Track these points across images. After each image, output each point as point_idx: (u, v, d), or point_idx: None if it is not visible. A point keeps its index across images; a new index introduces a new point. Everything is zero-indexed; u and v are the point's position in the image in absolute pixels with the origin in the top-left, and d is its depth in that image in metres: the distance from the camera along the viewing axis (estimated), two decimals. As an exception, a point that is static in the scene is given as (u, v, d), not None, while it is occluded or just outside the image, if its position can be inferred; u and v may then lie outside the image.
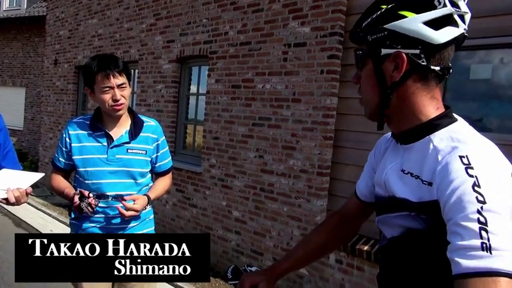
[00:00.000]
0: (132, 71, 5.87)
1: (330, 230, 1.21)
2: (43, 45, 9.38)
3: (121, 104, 1.86)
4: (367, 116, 0.97)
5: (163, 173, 2.11)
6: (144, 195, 1.94)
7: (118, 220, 1.93)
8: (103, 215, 1.91)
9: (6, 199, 1.56)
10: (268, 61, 4.00)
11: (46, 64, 8.13)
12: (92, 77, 1.83)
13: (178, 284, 3.90)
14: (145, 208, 1.95)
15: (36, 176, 1.67)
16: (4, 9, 12.37)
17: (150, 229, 2.09)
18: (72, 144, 1.91)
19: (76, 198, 1.76)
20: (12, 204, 1.58)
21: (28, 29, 11.82)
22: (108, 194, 1.88)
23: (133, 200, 1.84)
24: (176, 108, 5.19)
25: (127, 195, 1.88)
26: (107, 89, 1.82)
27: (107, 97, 1.83)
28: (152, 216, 2.11)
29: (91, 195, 1.78)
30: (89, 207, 1.76)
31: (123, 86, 1.85)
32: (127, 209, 1.81)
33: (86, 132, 1.92)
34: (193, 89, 5.19)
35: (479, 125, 2.90)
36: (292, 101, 3.79)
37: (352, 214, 1.19)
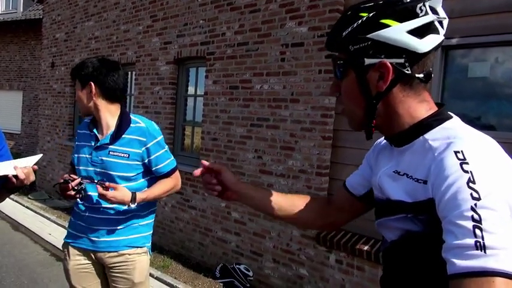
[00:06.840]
0: (130, 73, 5.86)
1: (312, 204, 1.20)
2: (40, 48, 9.36)
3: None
4: (352, 127, 0.95)
5: (164, 176, 2.01)
6: (131, 192, 1.86)
7: (99, 221, 1.93)
8: (86, 214, 1.94)
9: (16, 176, 1.56)
10: (265, 61, 3.99)
11: (43, 67, 8.10)
12: None
13: (175, 284, 3.89)
14: (128, 205, 1.83)
15: (35, 158, 1.70)
16: (0, 12, 12.34)
17: (140, 235, 1.99)
18: (76, 142, 2.05)
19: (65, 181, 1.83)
20: (21, 182, 1.58)
21: (24, 32, 11.81)
22: (94, 178, 1.92)
23: (114, 188, 1.81)
24: (174, 110, 5.18)
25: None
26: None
27: None
28: (144, 222, 2.02)
29: (77, 181, 1.86)
30: (77, 194, 1.85)
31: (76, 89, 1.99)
32: (102, 193, 1.79)
33: (84, 132, 2.03)
34: (191, 90, 5.18)
35: (478, 123, 2.89)
36: (290, 101, 3.78)
37: (337, 203, 1.17)
